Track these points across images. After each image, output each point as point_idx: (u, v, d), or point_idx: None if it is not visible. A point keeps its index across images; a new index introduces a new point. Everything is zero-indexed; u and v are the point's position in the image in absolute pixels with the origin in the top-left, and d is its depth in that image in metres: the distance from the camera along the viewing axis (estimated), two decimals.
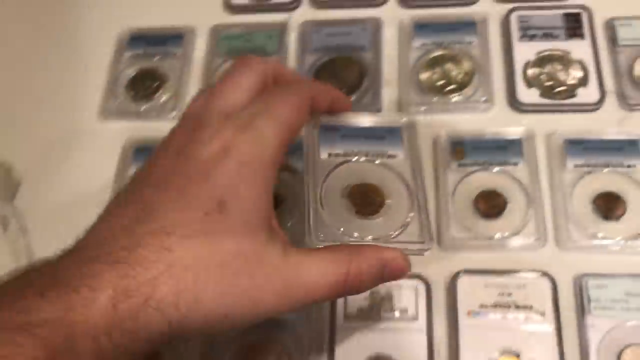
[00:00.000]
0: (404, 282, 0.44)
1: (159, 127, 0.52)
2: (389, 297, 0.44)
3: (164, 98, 0.55)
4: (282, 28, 0.57)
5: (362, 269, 0.33)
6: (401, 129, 0.44)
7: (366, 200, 0.41)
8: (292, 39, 0.57)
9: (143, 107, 0.55)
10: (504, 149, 0.49)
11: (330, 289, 0.33)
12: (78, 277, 0.28)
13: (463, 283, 0.44)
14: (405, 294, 0.44)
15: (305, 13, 0.58)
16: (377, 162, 0.42)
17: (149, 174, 0.33)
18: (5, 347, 0.25)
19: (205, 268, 0.30)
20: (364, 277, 0.34)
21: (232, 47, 0.57)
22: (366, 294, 0.44)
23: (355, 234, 0.40)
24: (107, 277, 0.28)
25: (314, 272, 0.32)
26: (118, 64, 0.57)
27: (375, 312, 0.44)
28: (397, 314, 0.43)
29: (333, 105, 0.40)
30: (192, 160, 0.32)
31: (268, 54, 0.56)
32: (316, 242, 0.38)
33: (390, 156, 0.43)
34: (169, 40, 0.58)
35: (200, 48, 0.58)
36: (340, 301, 0.44)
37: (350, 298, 0.44)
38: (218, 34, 0.58)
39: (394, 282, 0.43)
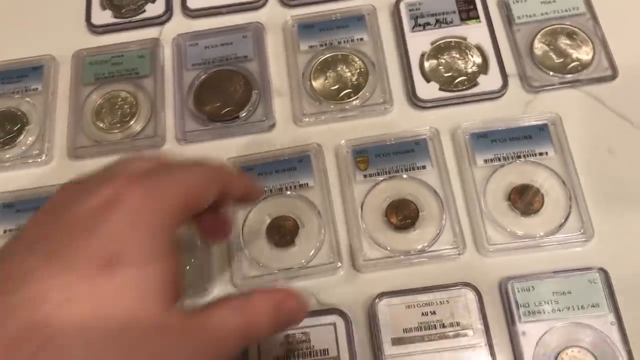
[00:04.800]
0: (321, 319, 0.40)
1: (26, 176, 0.47)
2: (306, 339, 0.40)
3: (29, 141, 0.48)
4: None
5: (258, 313, 0.30)
6: (310, 156, 0.45)
7: (280, 232, 0.43)
8: (167, 56, 0.51)
9: (6, 156, 0.48)
10: (409, 153, 0.45)
11: (235, 340, 0.28)
12: None
13: (383, 308, 0.40)
14: (324, 332, 0.40)
15: (177, 25, 0.52)
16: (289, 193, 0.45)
17: (20, 239, 0.28)
18: None
19: (92, 343, 0.24)
20: (262, 321, 0.30)
21: (101, 73, 0.50)
22: (281, 339, 0.40)
23: (274, 265, 0.42)
24: None
25: (217, 327, 0.28)
26: None
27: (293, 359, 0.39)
28: (317, 357, 0.39)
29: (245, 195, 0.36)
30: (71, 216, 0.27)
31: (141, 77, 0.50)
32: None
33: (301, 186, 0.45)
34: (27, 73, 0.51)
35: (64, 78, 0.51)
36: (254, 353, 0.39)
37: (265, 348, 0.39)
38: (83, 60, 0.51)
39: (308, 322, 0.39)
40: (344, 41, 0.49)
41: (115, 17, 0.52)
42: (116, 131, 0.48)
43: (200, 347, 0.27)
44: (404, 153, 0.45)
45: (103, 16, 0.52)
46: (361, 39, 0.49)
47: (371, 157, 0.45)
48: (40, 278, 0.25)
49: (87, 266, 0.25)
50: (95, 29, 0.52)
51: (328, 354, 0.39)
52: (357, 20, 0.50)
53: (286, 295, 0.32)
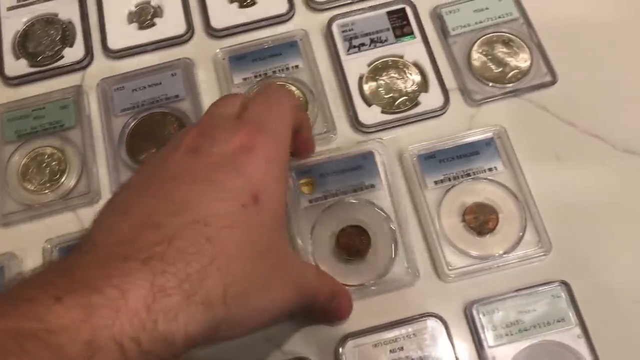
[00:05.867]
0: None
1: None
2: None
3: None
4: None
5: (322, 290, 0.37)
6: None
7: None
8: (92, 104, 0.47)
9: None
10: (358, 169, 0.43)
11: (306, 296, 0.34)
12: (101, 278, 0.25)
13: (351, 351, 0.39)
14: None
15: (100, 69, 0.49)
16: None
17: (162, 170, 0.31)
18: (11, 359, 0.22)
19: (250, 259, 0.29)
20: (319, 298, 0.36)
21: (22, 129, 0.47)
22: None
23: None
24: (140, 276, 0.25)
25: (309, 276, 0.35)
26: None
27: None
28: None
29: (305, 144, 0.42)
30: (215, 155, 0.31)
31: (67, 129, 0.46)
32: None
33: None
34: None
35: None
36: None
37: None
38: (0, 117, 0.47)
39: None
40: (279, 70, 0.47)
41: (32, 66, 0.49)
42: (47, 191, 0.45)
43: (301, 286, 0.33)
44: (352, 170, 0.43)
45: (17, 66, 0.49)
46: (297, 67, 0.47)
47: (316, 178, 0.43)
48: (200, 206, 0.29)
49: (237, 201, 0.30)
50: (11, 81, 0.48)
51: None
52: (289, 47, 0.48)
53: (344, 293, 0.39)
